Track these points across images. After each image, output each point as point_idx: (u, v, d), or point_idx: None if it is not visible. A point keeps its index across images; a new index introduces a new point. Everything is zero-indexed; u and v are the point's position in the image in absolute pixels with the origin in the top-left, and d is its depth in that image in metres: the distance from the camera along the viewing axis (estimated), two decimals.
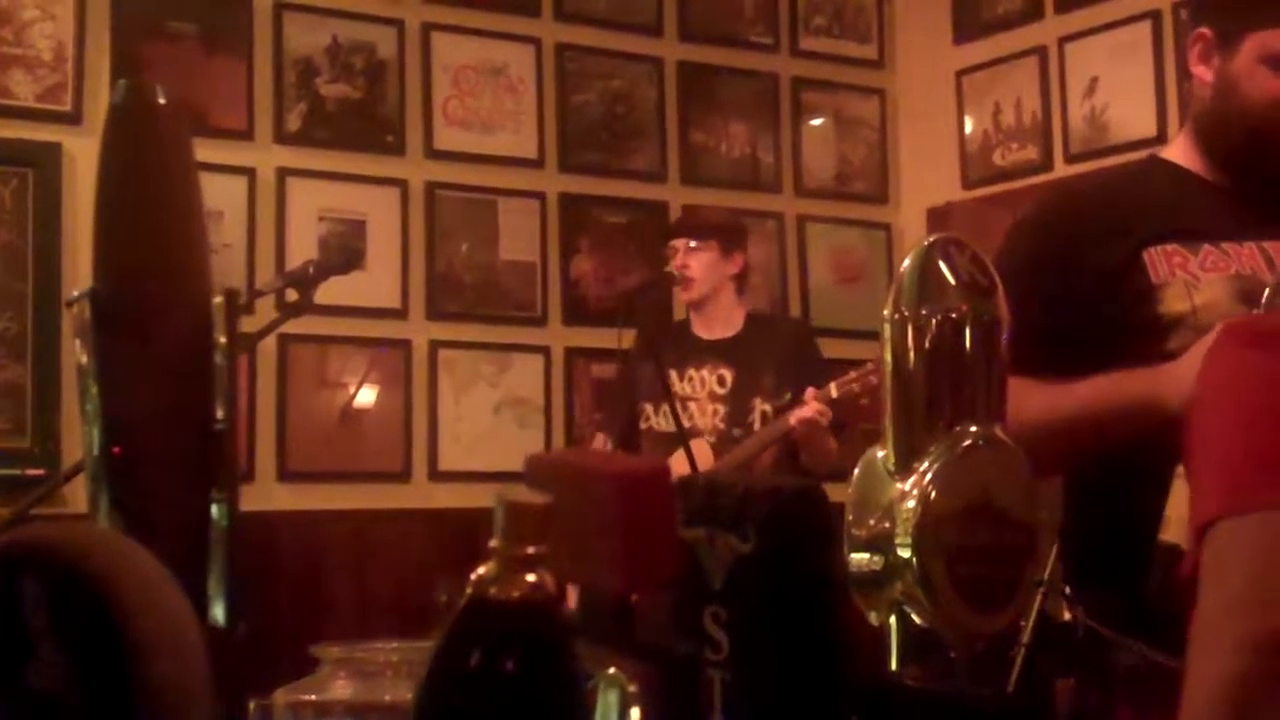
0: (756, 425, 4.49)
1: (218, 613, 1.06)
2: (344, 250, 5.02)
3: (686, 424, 4.11)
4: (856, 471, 1.20)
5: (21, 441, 4.70)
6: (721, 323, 4.64)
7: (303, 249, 5.02)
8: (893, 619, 1.16)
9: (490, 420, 5.45)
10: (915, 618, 1.14)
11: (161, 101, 1.06)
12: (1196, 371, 1.80)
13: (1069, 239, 2.30)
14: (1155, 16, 5.38)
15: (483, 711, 0.80)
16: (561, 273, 5.66)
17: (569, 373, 5.59)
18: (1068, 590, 2.24)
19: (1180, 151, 2.38)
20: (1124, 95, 5.49)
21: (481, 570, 0.82)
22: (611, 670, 0.90)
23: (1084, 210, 2.38)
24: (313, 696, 1.33)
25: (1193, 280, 2.20)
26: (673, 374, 4.37)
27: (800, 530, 1.04)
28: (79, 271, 4.71)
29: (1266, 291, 2.14)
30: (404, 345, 5.36)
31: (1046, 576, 2.45)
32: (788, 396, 4.49)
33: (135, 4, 5.03)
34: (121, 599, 0.82)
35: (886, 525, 1.15)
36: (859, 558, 1.17)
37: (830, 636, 1.04)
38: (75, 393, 1.09)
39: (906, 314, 1.18)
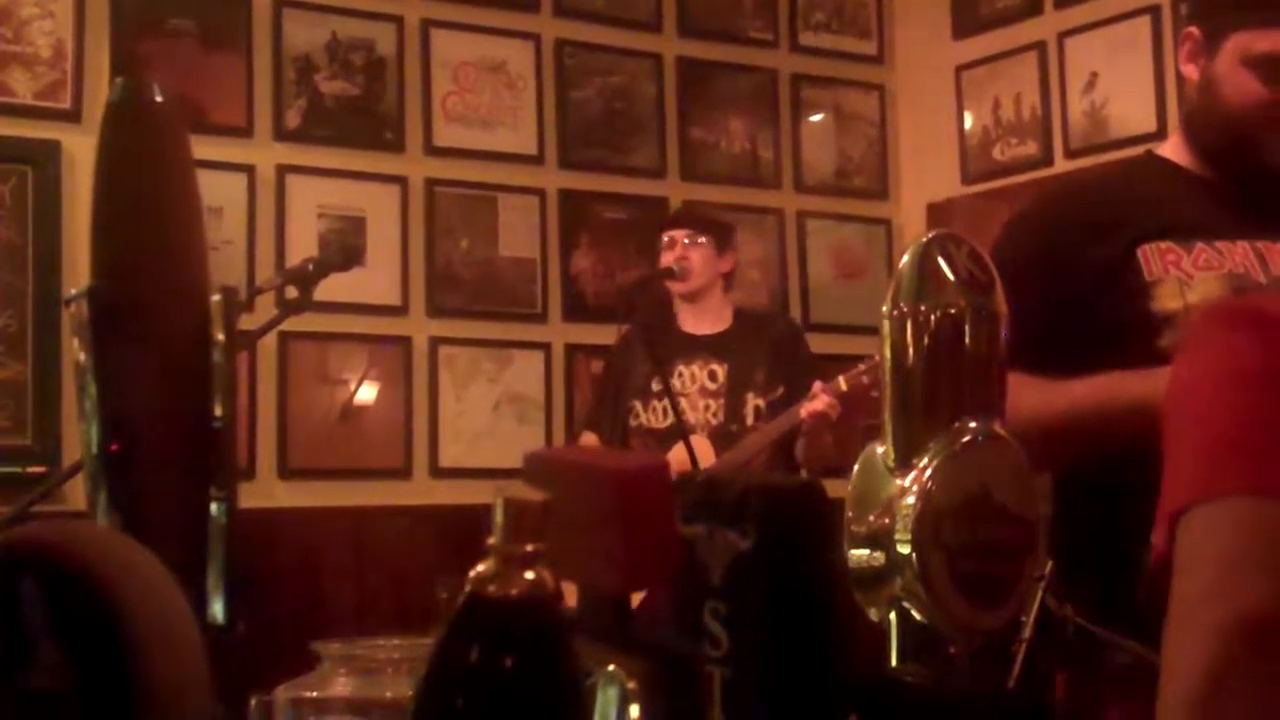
0: (750, 420, 4.48)
1: (217, 611, 1.06)
2: (344, 247, 5.02)
3: (675, 420, 4.10)
4: (856, 467, 1.20)
5: (22, 439, 4.70)
6: (711, 318, 4.63)
7: (302, 246, 5.02)
8: (892, 615, 1.16)
9: (490, 417, 5.45)
10: (915, 614, 1.14)
11: (158, 99, 1.06)
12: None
13: (1064, 235, 2.30)
14: (1154, 11, 5.37)
15: (482, 709, 0.80)
16: (561, 269, 5.66)
17: (569, 369, 5.59)
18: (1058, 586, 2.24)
19: (1175, 149, 2.39)
20: (1124, 90, 5.49)
21: (480, 568, 0.82)
22: (610, 667, 0.90)
23: (1079, 206, 2.38)
24: (314, 693, 1.33)
25: (1186, 278, 2.20)
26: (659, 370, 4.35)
27: (799, 526, 1.04)
28: (79, 269, 4.71)
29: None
30: (404, 342, 5.36)
31: (1047, 571, 2.45)
32: (780, 391, 4.48)
33: (134, 1, 5.03)
34: (120, 598, 0.82)
35: (886, 521, 1.15)
36: (859, 554, 1.17)
37: (829, 633, 1.04)
38: (75, 390, 1.09)
39: (905, 310, 1.18)
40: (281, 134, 5.25)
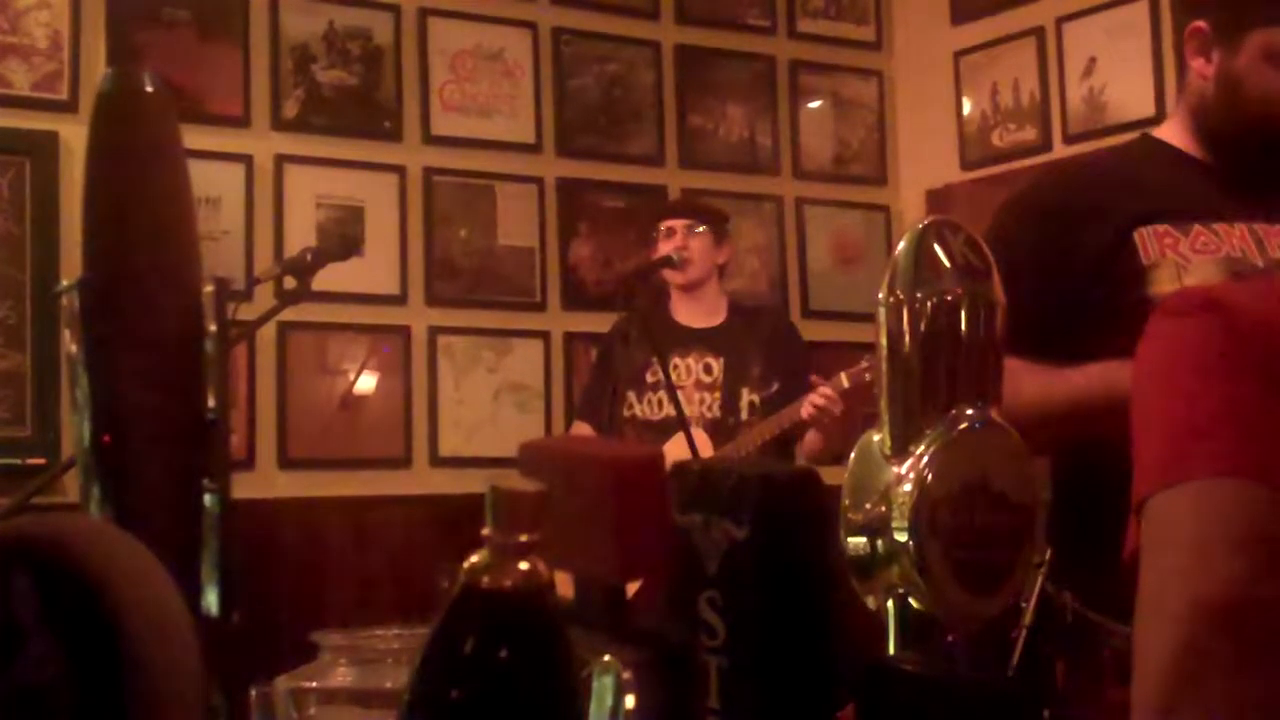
0: (745, 415, 4.48)
1: (211, 602, 1.05)
2: (342, 237, 5.02)
3: (675, 413, 4.09)
4: (853, 455, 1.20)
5: (21, 430, 4.70)
6: (706, 311, 4.62)
7: (301, 236, 5.02)
8: (890, 603, 1.15)
9: (490, 406, 5.45)
10: (913, 601, 1.14)
11: (149, 89, 1.05)
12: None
13: (1060, 219, 2.30)
14: None
15: (476, 700, 0.80)
16: (560, 257, 5.65)
17: (568, 357, 5.59)
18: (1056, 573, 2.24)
19: (1173, 132, 2.38)
20: (1122, 75, 5.48)
21: (474, 559, 0.82)
22: (606, 657, 0.90)
23: (1074, 190, 2.38)
24: (314, 683, 1.33)
25: (1183, 261, 2.20)
26: (654, 361, 4.34)
27: (795, 515, 1.03)
28: (77, 260, 4.68)
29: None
30: (403, 331, 5.36)
31: (1047, 558, 2.44)
32: (775, 386, 4.48)
33: None
34: (112, 590, 0.82)
35: (883, 509, 1.14)
36: (856, 542, 1.17)
37: (826, 621, 1.04)
38: (68, 382, 1.09)
39: (901, 297, 1.18)
40: (279, 124, 5.24)
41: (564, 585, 1.06)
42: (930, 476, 1.12)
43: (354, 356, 5.28)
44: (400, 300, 5.36)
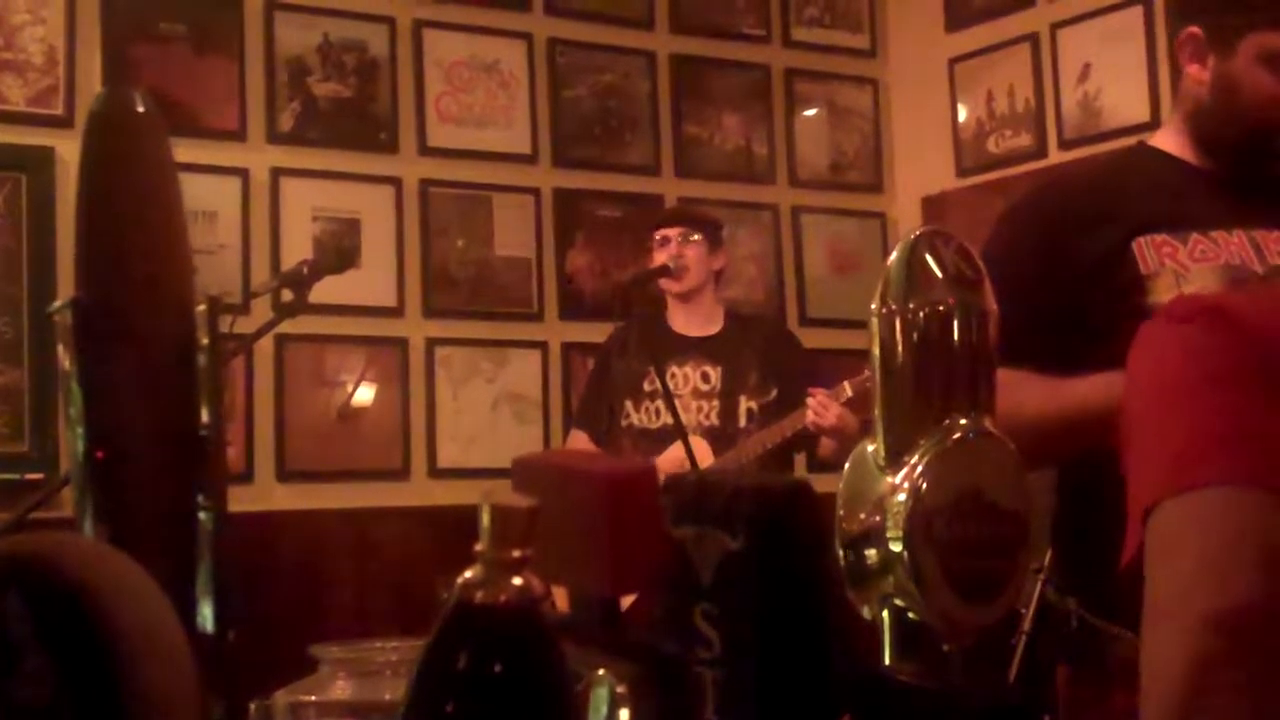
0: (742, 423, 4.48)
1: (206, 619, 1.05)
2: (338, 250, 5.02)
3: (673, 422, 4.10)
4: (847, 466, 1.20)
5: (19, 446, 4.70)
6: (703, 319, 4.62)
7: (298, 249, 5.02)
8: (886, 613, 1.15)
9: (488, 417, 5.45)
10: (908, 611, 1.14)
11: (140, 109, 1.06)
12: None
13: (1058, 229, 2.30)
14: (1146, 1, 5.37)
15: (470, 715, 0.80)
16: (557, 268, 5.66)
17: (566, 367, 5.59)
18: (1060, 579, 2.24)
19: (1169, 139, 2.38)
20: (1117, 80, 5.49)
21: (467, 574, 0.82)
22: (600, 671, 0.90)
23: (1072, 200, 2.38)
24: (313, 697, 1.33)
25: (1182, 270, 2.19)
26: (652, 370, 4.34)
27: (789, 526, 1.03)
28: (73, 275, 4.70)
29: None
30: (401, 343, 5.36)
31: (1047, 563, 2.44)
32: (773, 394, 4.48)
33: (125, 6, 5.03)
34: (106, 609, 0.82)
35: (878, 519, 1.14)
36: (851, 552, 1.17)
37: (821, 632, 1.04)
38: (62, 399, 1.09)
39: (894, 308, 1.18)
40: (275, 137, 5.25)
41: (562, 599, 1.06)
42: (924, 486, 1.12)
43: (351, 368, 5.28)
44: (397, 312, 5.36)
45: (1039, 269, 2.24)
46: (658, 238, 4.63)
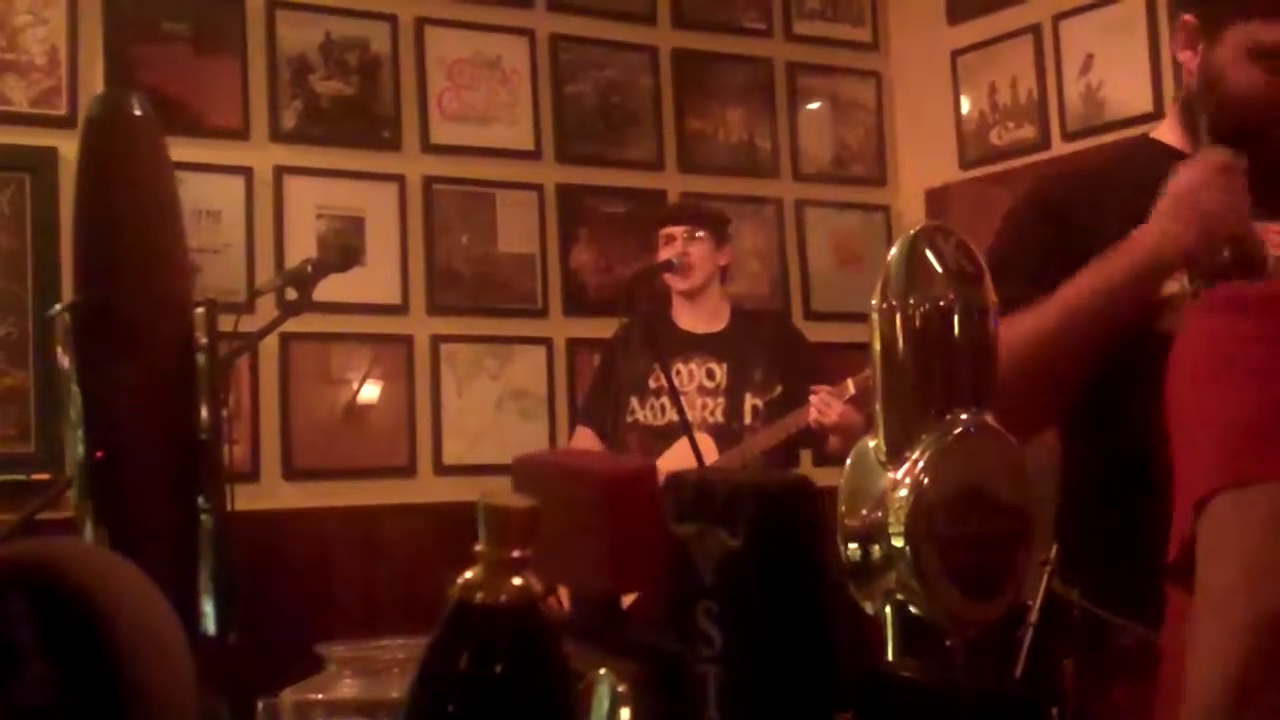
0: (748, 420, 4.48)
1: (208, 621, 1.06)
2: (342, 248, 5.02)
3: (678, 418, 4.10)
4: (848, 462, 1.20)
5: (26, 446, 4.70)
6: (708, 316, 4.62)
7: (302, 247, 5.02)
8: (888, 609, 1.15)
9: (493, 413, 5.45)
10: (911, 607, 1.14)
11: (137, 112, 1.06)
12: (1162, 228, 1.81)
13: (1064, 222, 2.29)
14: None
15: (472, 715, 0.80)
16: (561, 264, 5.66)
17: (571, 364, 5.59)
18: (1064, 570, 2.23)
19: (1170, 131, 2.38)
20: (1119, 72, 5.48)
21: (467, 574, 0.82)
22: (601, 670, 0.90)
23: (1078, 193, 2.37)
24: (320, 695, 1.33)
25: None
26: (657, 367, 4.35)
27: (790, 523, 1.03)
28: None
29: None
30: (405, 340, 5.36)
31: (1053, 556, 2.44)
32: (778, 391, 4.48)
33: (127, 6, 5.03)
34: (108, 614, 0.82)
35: (879, 515, 1.14)
36: (853, 548, 1.17)
37: (824, 629, 1.04)
38: (64, 401, 1.09)
39: (894, 304, 1.18)
40: (278, 135, 5.25)
41: (566, 598, 1.06)
42: (926, 481, 1.12)
43: (357, 366, 5.28)
44: (402, 309, 5.36)
45: (1046, 263, 2.24)
46: (663, 235, 4.63)
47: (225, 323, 1.11)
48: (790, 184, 6.14)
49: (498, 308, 5.52)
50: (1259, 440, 1.16)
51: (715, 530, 1.03)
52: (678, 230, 4.59)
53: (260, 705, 1.28)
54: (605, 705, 0.90)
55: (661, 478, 1.05)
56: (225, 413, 1.13)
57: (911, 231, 1.21)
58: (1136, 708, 2.06)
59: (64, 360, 1.06)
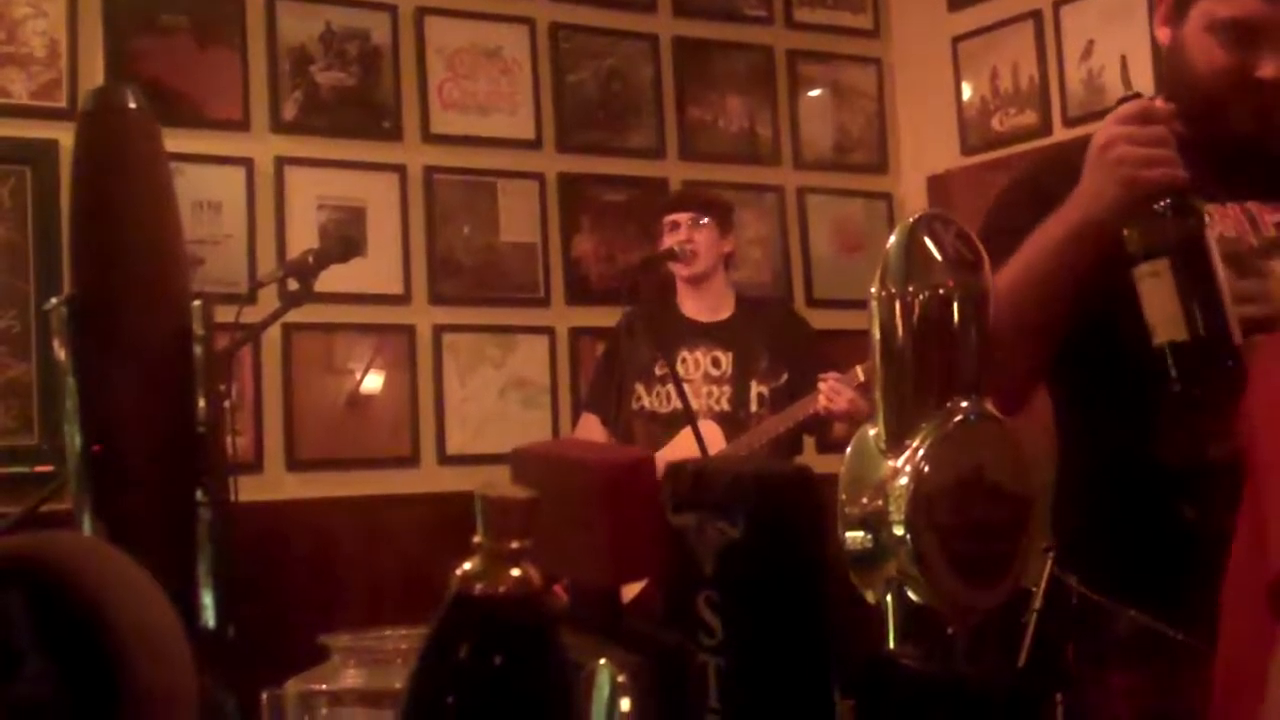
0: (754, 407, 4.48)
1: (207, 615, 1.06)
2: (343, 239, 5.01)
3: (683, 406, 4.09)
4: (849, 450, 1.20)
5: (29, 439, 4.71)
6: (713, 304, 4.61)
7: (303, 238, 5.01)
8: (889, 597, 1.16)
9: (497, 402, 5.45)
10: (911, 595, 1.14)
11: (132, 106, 1.06)
12: (1083, 186, 1.78)
13: (1052, 206, 2.28)
14: None
15: (471, 706, 0.80)
16: (563, 253, 5.65)
17: (574, 352, 5.59)
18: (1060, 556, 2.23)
19: None
20: (1120, 57, 5.46)
21: (466, 566, 0.82)
22: (601, 661, 0.90)
23: (1069, 173, 2.36)
24: (324, 686, 1.33)
25: None
26: (662, 355, 4.35)
27: (789, 513, 1.03)
28: None
29: None
30: (408, 330, 5.36)
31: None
32: (784, 378, 4.48)
33: None
34: (106, 609, 0.82)
35: (880, 503, 1.14)
36: (853, 536, 1.17)
37: (824, 618, 1.04)
38: (61, 394, 1.09)
39: (894, 291, 1.18)
40: (279, 126, 5.24)
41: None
42: (926, 469, 1.13)
43: (359, 356, 5.28)
44: (404, 299, 5.36)
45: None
46: (667, 223, 4.62)
47: (227, 314, 1.11)
48: (792, 171, 6.13)
49: (500, 297, 5.51)
50: None
51: (715, 520, 1.03)
52: (682, 217, 4.58)
53: (264, 696, 1.28)
54: (605, 696, 0.90)
55: (668, 465, 1.05)
56: (228, 404, 1.13)
57: (910, 219, 1.21)
58: (1134, 694, 2.06)
59: (61, 353, 1.06)
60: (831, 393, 4.29)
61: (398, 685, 1.28)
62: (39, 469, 4.51)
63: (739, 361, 4.51)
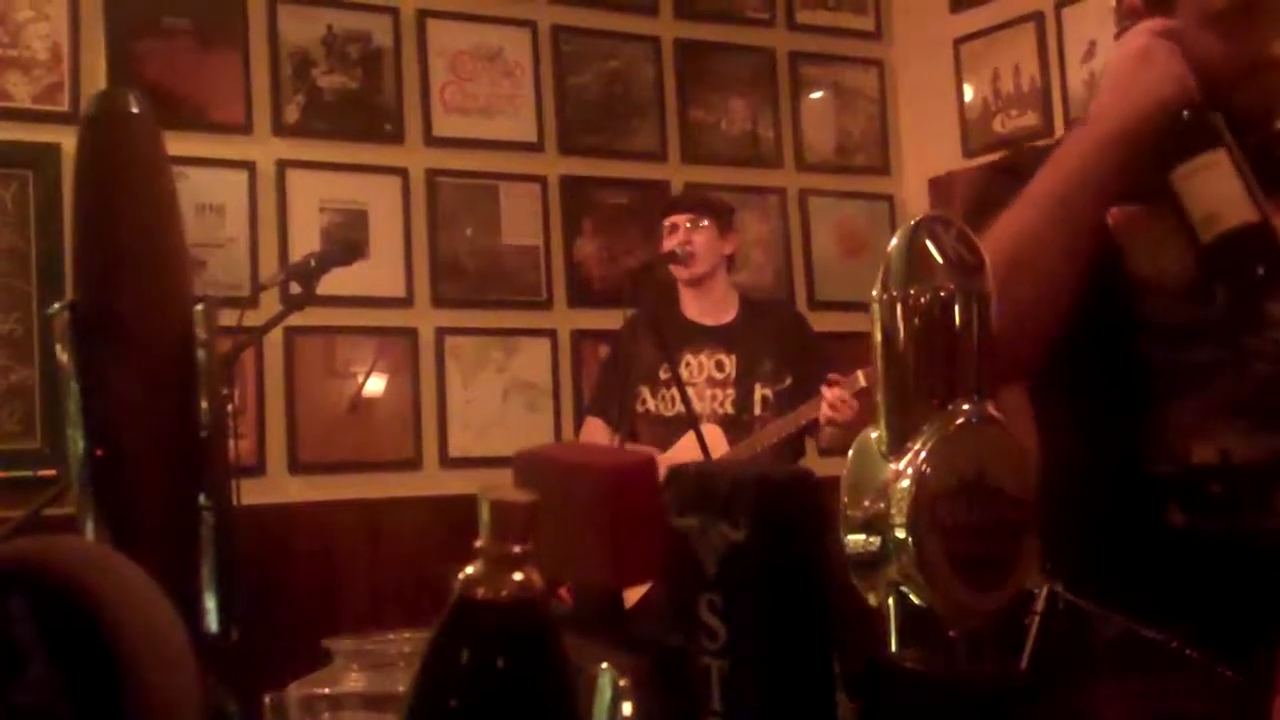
0: (758, 410, 4.48)
1: (211, 618, 1.06)
2: (345, 242, 5.03)
3: (686, 409, 4.10)
4: (851, 453, 1.20)
5: (31, 443, 4.71)
6: (716, 306, 4.62)
7: (305, 241, 5.02)
8: (891, 600, 1.15)
9: (499, 405, 5.46)
10: (913, 598, 1.14)
11: (134, 110, 1.06)
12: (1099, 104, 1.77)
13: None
14: None
15: (474, 710, 0.80)
16: (565, 255, 5.66)
17: (576, 355, 5.59)
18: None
19: None
20: None
21: (468, 570, 0.82)
22: (604, 664, 0.90)
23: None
24: (326, 689, 1.33)
25: (1158, 242, 2.16)
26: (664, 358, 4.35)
27: (792, 515, 1.03)
28: None
29: None
30: (410, 333, 5.37)
31: None
32: (788, 381, 4.48)
33: (129, 2, 5.03)
34: (109, 613, 0.82)
35: (881, 506, 1.14)
36: (855, 539, 1.16)
37: (827, 621, 1.04)
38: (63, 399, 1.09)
39: (895, 294, 1.18)
40: (281, 129, 5.25)
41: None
42: (928, 472, 1.12)
43: (362, 360, 5.29)
44: (407, 302, 5.37)
45: None
46: (667, 225, 4.62)
47: (229, 317, 1.11)
48: (794, 174, 6.14)
49: (502, 300, 5.52)
50: None
51: (718, 523, 1.03)
52: (681, 219, 4.59)
53: (266, 699, 1.28)
54: (607, 700, 0.90)
55: (670, 468, 1.05)
56: (230, 407, 1.13)
57: (911, 221, 1.20)
58: (1120, 700, 2.05)
59: (63, 357, 1.06)
60: (836, 403, 4.28)
61: (400, 689, 1.28)
62: (41, 473, 4.51)
63: (743, 364, 4.51)
